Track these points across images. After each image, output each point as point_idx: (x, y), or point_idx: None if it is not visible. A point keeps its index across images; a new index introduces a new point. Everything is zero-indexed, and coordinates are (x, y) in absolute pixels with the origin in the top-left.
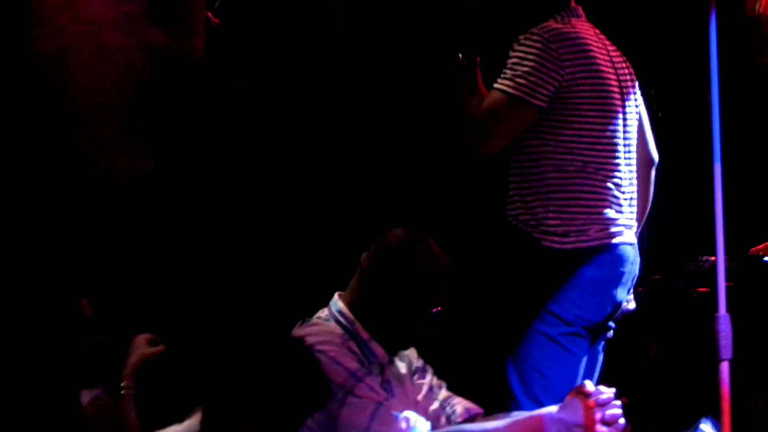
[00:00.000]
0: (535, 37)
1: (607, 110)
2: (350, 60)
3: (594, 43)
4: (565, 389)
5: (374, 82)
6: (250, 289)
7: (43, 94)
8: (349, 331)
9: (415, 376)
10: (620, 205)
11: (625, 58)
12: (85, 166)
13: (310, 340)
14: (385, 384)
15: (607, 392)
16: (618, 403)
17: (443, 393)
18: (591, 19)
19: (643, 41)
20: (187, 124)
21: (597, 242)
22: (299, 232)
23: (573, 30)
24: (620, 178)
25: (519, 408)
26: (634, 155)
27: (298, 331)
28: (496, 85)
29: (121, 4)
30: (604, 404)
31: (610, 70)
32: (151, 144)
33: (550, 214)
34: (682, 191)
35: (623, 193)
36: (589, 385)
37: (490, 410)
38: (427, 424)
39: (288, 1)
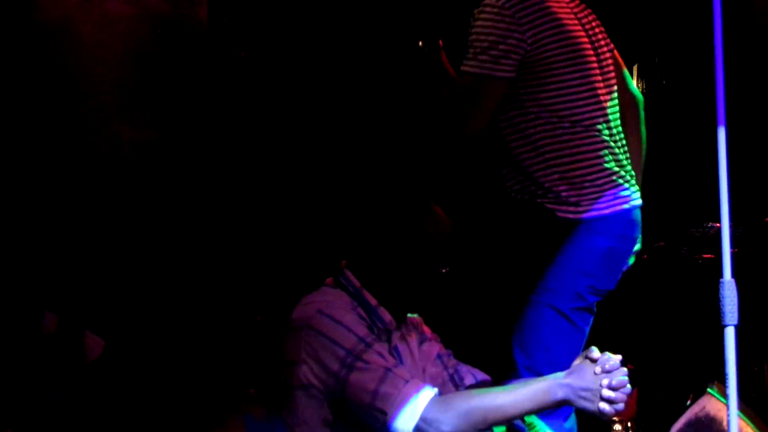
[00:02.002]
0: (488, 9)
1: (581, 64)
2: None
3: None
4: (567, 363)
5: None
6: (254, 260)
7: (47, 64)
8: (356, 298)
9: (423, 345)
10: (620, 159)
11: (584, 6)
12: (89, 135)
13: (318, 305)
14: (393, 351)
15: (614, 358)
16: (624, 369)
17: (450, 361)
18: None
19: (646, 7)
20: (191, 93)
21: (611, 210)
22: (302, 200)
23: None
24: (611, 130)
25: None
26: (617, 106)
27: (306, 299)
28: (462, 68)
29: None
30: (611, 370)
31: (574, 22)
32: (154, 114)
33: (557, 182)
34: (686, 157)
35: (618, 145)
36: (597, 352)
37: (498, 378)
38: (435, 390)
39: None
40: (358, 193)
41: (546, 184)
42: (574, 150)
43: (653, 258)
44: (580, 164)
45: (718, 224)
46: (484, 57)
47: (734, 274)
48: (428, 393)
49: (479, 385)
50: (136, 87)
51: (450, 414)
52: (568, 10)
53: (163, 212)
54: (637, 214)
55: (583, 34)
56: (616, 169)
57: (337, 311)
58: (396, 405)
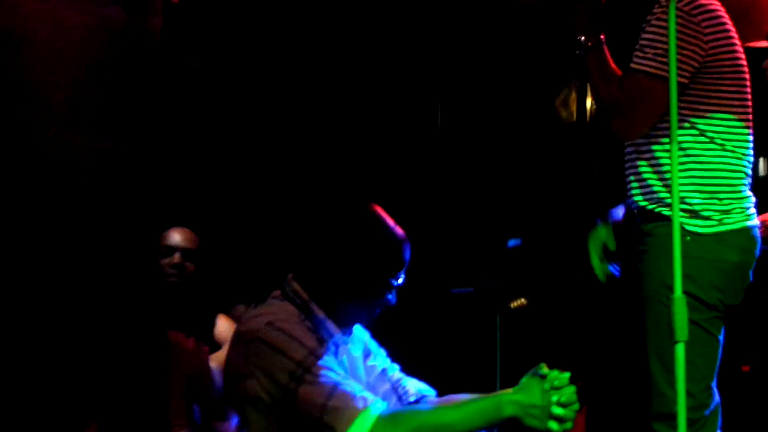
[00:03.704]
0: (674, 11)
1: (742, 81)
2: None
3: (724, 13)
4: (710, 375)
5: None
6: (204, 270)
7: (0, 71)
8: (304, 310)
9: (368, 358)
10: (749, 175)
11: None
12: (42, 144)
13: (268, 317)
14: (340, 364)
15: (563, 376)
16: (573, 386)
17: (395, 375)
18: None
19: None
20: (145, 103)
21: (738, 225)
22: (251, 211)
23: (707, 0)
24: (750, 155)
25: (666, 402)
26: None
27: (252, 311)
28: (635, 65)
29: None
30: (560, 387)
31: (739, 42)
32: (108, 123)
33: (694, 193)
34: None
35: (750, 161)
36: (546, 368)
37: (443, 392)
38: (383, 404)
39: None
40: (305, 204)
41: (681, 194)
42: (718, 166)
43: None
44: (718, 178)
45: None
46: (665, 59)
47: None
48: (376, 408)
49: (424, 399)
50: (91, 96)
51: (398, 430)
52: (731, 22)
53: (112, 221)
54: (757, 231)
55: (743, 50)
56: (746, 185)
57: (286, 324)
58: (344, 420)
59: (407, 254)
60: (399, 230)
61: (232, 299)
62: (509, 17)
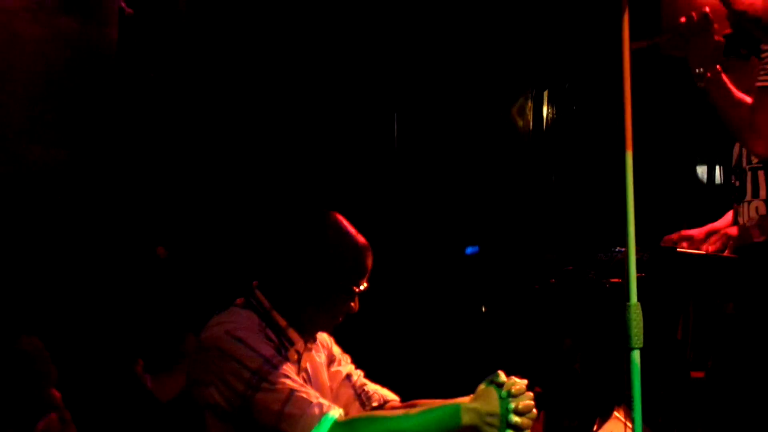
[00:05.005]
0: None
1: None
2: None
3: None
4: None
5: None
6: (165, 279)
7: None
8: (265, 319)
9: (333, 365)
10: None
11: None
12: None
13: (227, 326)
14: (302, 372)
15: (520, 383)
16: (531, 393)
17: (359, 381)
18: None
19: (556, 34)
20: (99, 113)
21: None
22: (214, 220)
23: None
24: None
25: None
26: None
27: (216, 319)
28: (761, 83)
29: None
30: (518, 395)
31: None
32: (63, 133)
33: None
34: (595, 181)
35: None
36: (503, 376)
37: (406, 398)
38: (340, 410)
39: None
40: (267, 213)
41: None
42: None
43: (561, 282)
44: None
45: (624, 249)
46: None
47: (640, 298)
48: (333, 414)
49: (387, 405)
50: (45, 106)
51: None
52: None
53: (70, 229)
54: None
55: None
56: None
57: (244, 332)
58: (300, 427)
59: (369, 261)
60: (361, 238)
61: (198, 308)
62: (466, 26)
